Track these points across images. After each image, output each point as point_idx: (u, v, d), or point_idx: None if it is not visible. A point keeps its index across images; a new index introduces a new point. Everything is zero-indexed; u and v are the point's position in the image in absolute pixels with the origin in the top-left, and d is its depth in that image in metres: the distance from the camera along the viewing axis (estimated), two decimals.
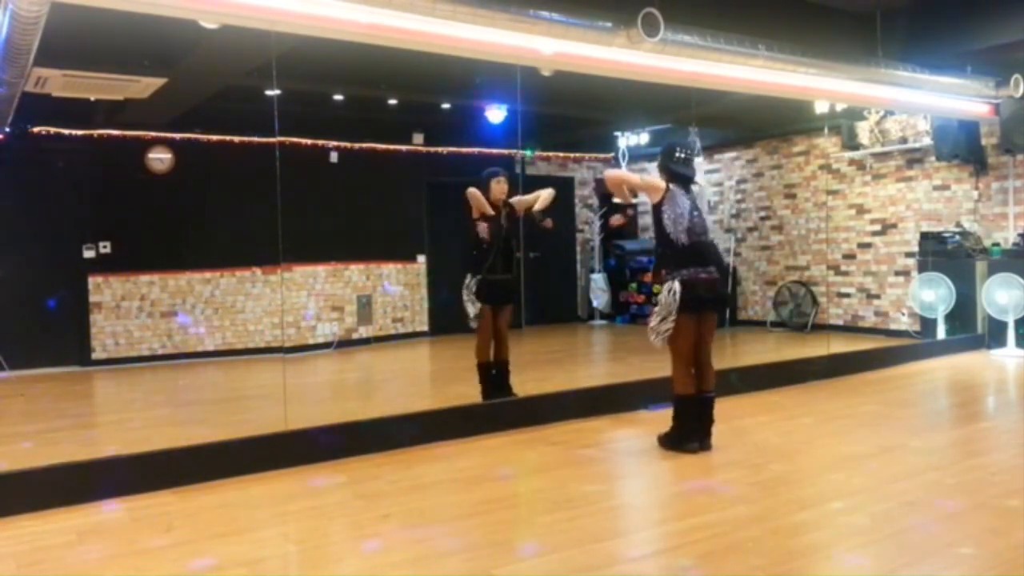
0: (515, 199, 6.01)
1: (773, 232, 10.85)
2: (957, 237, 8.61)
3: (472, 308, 5.76)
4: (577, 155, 12.42)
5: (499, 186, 5.83)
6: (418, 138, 10.63)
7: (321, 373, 8.50)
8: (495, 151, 10.76)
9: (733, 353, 9.34)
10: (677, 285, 4.54)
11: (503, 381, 5.96)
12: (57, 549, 3.42)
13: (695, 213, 4.66)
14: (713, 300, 4.73)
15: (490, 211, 5.76)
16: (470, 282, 5.78)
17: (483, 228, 5.74)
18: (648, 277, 11.55)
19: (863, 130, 9.71)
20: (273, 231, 6.00)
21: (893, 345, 8.39)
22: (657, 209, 4.66)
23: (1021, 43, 6.83)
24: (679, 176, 4.72)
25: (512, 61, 5.56)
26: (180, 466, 4.28)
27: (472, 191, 5.75)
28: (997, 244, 8.55)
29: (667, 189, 4.64)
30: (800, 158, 10.51)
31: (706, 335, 4.71)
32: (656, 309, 4.64)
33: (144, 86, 7.10)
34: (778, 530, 3.42)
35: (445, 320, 10.82)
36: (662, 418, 5.43)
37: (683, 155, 4.73)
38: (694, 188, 4.80)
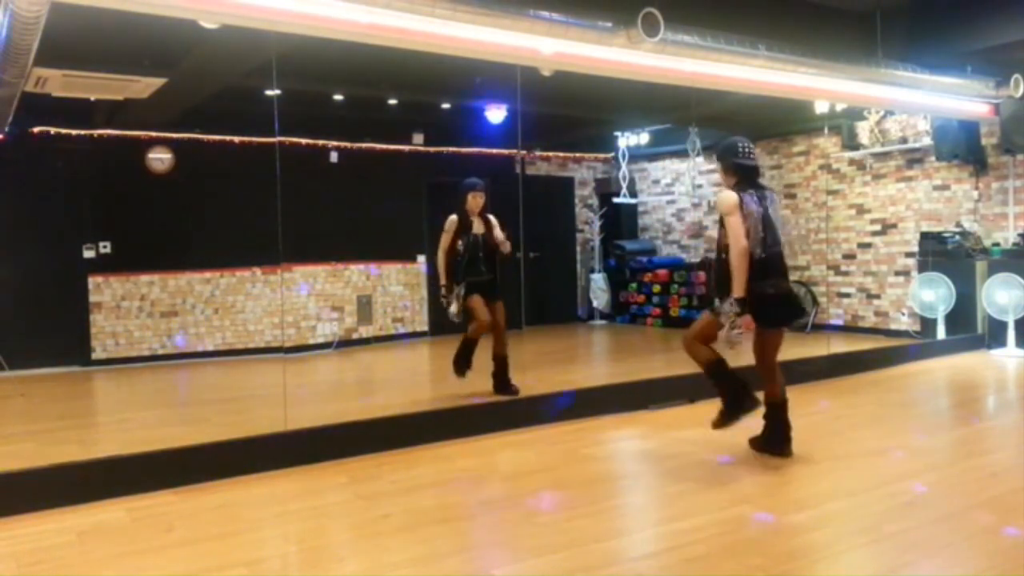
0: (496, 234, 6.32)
1: None
2: (957, 237, 8.61)
3: (455, 305, 6.13)
4: (577, 155, 12.42)
5: (475, 200, 6.22)
6: (418, 138, 10.62)
7: (321, 373, 8.50)
8: (495, 151, 10.76)
9: (733, 353, 9.32)
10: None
11: (503, 377, 6.23)
12: (57, 549, 3.42)
13: (769, 222, 4.32)
14: (781, 318, 4.52)
15: (460, 231, 6.22)
16: (458, 290, 6.15)
17: (459, 243, 6.21)
18: (648, 277, 11.55)
19: (863, 130, 9.71)
20: (273, 231, 6.00)
21: (893, 345, 8.39)
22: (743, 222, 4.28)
23: (1021, 43, 6.83)
24: (746, 170, 4.41)
25: (512, 61, 5.56)
26: (180, 466, 4.29)
27: (451, 220, 6.25)
28: (997, 244, 8.55)
29: (740, 200, 4.27)
30: (800, 158, 10.51)
31: (769, 350, 4.59)
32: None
33: (144, 86, 7.09)
34: (778, 530, 3.42)
35: (445, 320, 10.83)
36: (663, 418, 5.44)
37: (745, 149, 4.43)
38: (767, 193, 4.43)
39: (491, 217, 6.36)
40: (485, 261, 6.23)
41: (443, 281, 6.28)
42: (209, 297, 9.20)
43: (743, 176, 4.41)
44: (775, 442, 4.58)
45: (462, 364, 6.29)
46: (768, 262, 4.30)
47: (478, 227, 6.26)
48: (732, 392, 4.52)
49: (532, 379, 6.38)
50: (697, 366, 4.62)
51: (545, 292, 11.62)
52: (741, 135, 4.63)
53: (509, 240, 6.31)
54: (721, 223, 4.36)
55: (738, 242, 4.19)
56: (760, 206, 4.31)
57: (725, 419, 4.55)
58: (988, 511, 3.60)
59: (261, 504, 3.99)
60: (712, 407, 5.83)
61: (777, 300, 4.39)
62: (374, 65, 6.63)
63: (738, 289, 4.20)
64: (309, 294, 9.61)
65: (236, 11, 4.37)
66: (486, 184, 6.38)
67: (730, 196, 4.30)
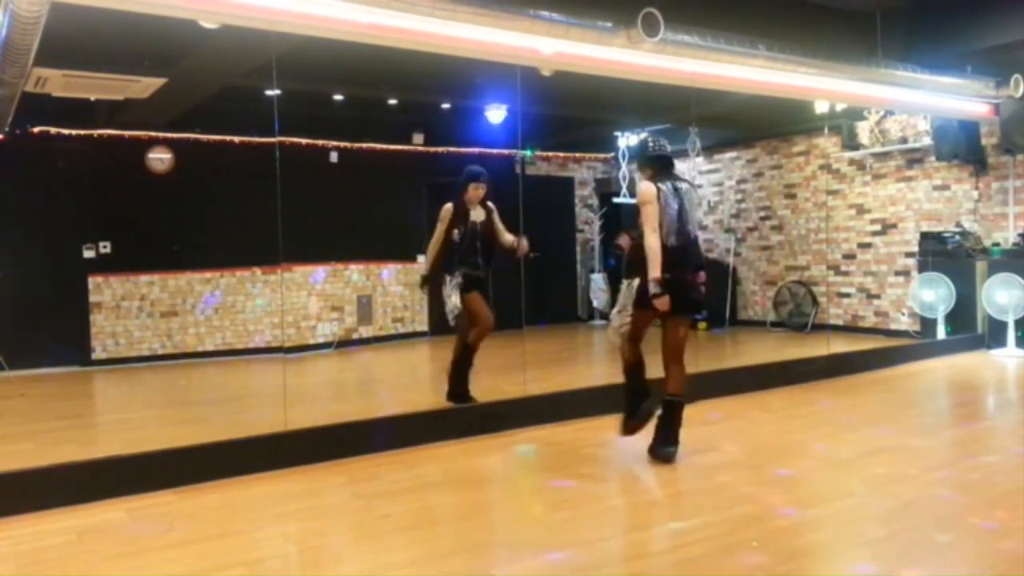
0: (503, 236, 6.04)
1: (773, 232, 10.85)
2: (957, 237, 8.61)
3: (451, 302, 5.86)
4: (577, 155, 12.42)
5: (476, 191, 5.92)
6: (418, 138, 10.62)
7: (321, 373, 8.49)
8: (495, 151, 10.76)
9: (733, 353, 9.34)
10: (635, 283, 4.48)
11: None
12: (57, 549, 3.42)
13: (684, 212, 4.50)
14: (690, 303, 4.59)
15: (457, 223, 5.87)
16: (454, 281, 5.86)
17: (455, 232, 5.87)
18: None
19: (863, 130, 9.71)
20: (273, 231, 5.99)
21: (893, 345, 8.39)
22: (661, 213, 4.45)
23: (1021, 43, 6.83)
24: (660, 160, 4.60)
25: (512, 61, 5.56)
26: (180, 466, 4.28)
27: (445, 208, 5.91)
28: (997, 244, 8.55)
29: (658, 191, 4.44)
30: (800, 158, 10.51)
31: (675, 337, 4.57)
32: (618, 307, 4.60)
33: (144, 86, 7.10)
34: (778, 530, 3.42)
35: (445, 320, 10.81)
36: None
37: (656, 144, 4.66)
38: (682, 186, 4.57)
39: (491, 204, 6.01)
40: (483, 253, 5.93)
41: (426, 270, 6.08)
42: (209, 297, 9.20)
43: (657, 168, 4.59)
44: (666, 443, 4.49)
45: (461, 387, 5.92)
46: (682, 250, 4.46)
47: (477, 215, 5.91)
48: (634, 400, 4.67)
49: (532, 378, 6.38)
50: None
51: (545, 292, 11.61)
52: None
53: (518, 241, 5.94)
54: (638, 211, 4.51)
55: (652, 232, 4.38)
56: (676, 197, 4.48)
57: (628, 428, 4.68)
58: (988, 511, 3.60)
59: (261, 504, 3.99)
60: (711, 408, 5.86)
61: (687, 287, 4.51)
62: (374, 65, 6.63)
63: (653, 271, 4.33)
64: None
65: (236, 11, 4.37)
66: (487, 176, 6.06)
67: (650, 187, 4.47)
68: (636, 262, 4.51)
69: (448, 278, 5.90)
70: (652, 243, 4.36)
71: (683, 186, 4.60)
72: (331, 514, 3.85)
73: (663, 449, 4.49)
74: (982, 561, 3.08)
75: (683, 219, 4.48)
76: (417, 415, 5.39)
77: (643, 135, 4.86)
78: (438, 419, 5.28)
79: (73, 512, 3.84)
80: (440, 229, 5.95)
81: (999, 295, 8.07)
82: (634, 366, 4.69)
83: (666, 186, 4.48)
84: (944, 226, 8.94)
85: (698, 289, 4.59)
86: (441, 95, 8.67)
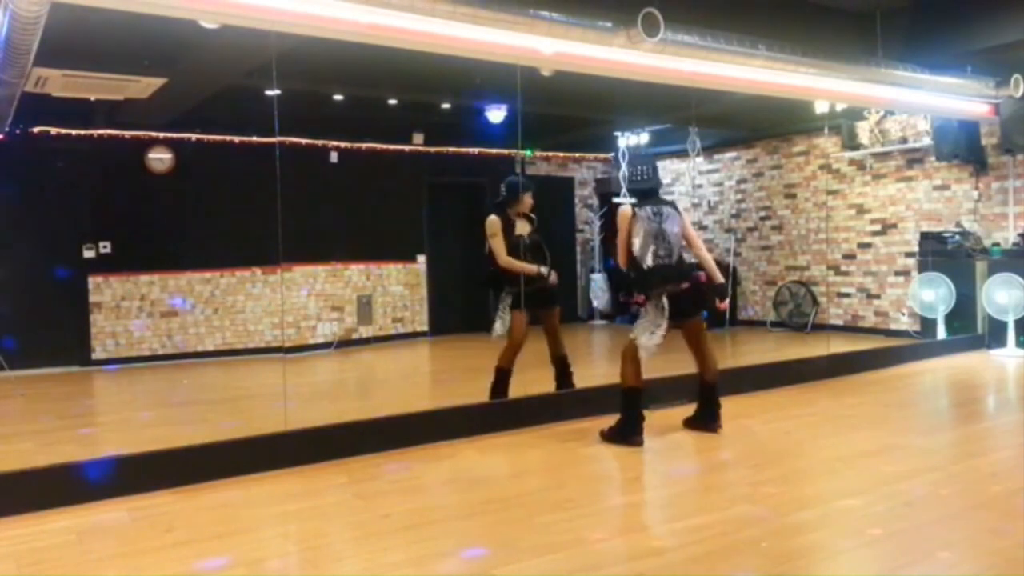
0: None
1: (773, 232, 10.85)
2: (957, 237, 8.61)
3: (501, 325, 5.72)
4: (577, 155, 12.42)
5: (529, 200, 5.89)
6: (418, 138, 10.62)
7: (321, 373, 8.50)
8: (495, 151, 10.76)
9: (733, 353, 9.34)
10: (665, 301, 4.72)
11: (566, 379, 6.06)
12: (57, 549, 3.42)
13: (662, 234, 4.70)
14: (690, 308, 4.95)
15: (504, 233, 5.68)
16: (506, 300, 5.70)
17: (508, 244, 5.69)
18: None
19: (863, 130, 9.71)
20: (273, 231, 6.00)
21: (893, 345, 8.39)
22: (629, 235, 4.77)
23: (1021, 43, 6.83)
24: (647, 192, 4.93)
25: (512, 61, 5.56)
26: (180, 466, 4.28)
27: (492, 222, 5.68)
28: (997, 244, 8.55)
29: (633, 215, 4.75)
30: (800, 158, 10.51)
31: (691, 338, 5.06)
32: (642, 323, 4.74)
33: (144, 86, 7.09)
34: (778, 530, 3.42)
35: (445, 320, 10.83)
36: (663, 418, 5.44)
37: (641, 174, 4.98)
38: (666, 209, 4.80)
39: (533, 217, 5.90)
40: (537, 262, 5.73)
41: (535, 271, 5.64)
42: (209, 297, 9.20)
43: (641, 196, 4.96)
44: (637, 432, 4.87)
45: (500, 395, 5.77)
46: (657, 271, 4.71)
47: (522, 228, 5.76)
48: (630, 420, 4.87)
49: (532, 379, 6.37)
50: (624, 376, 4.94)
51: None
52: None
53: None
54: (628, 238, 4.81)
55: (622, 254, 4.82)
56: (656, 219, 4.73)
57: (613, 437, 4.92)
58: (988, 511, 3.60)
59: (261, 504, 3.99)
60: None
61: (677, 298, 4.81)
62: (374, 65, 6.63)
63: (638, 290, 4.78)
64: (309, 294, 9.62)
65: (236, 11, 4.37)
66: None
67: (625, 212, 4.82)
68: (631, 283, 4.82)
69: (504, 293, 5.72)
70: (623, 264, 4.78)
71: (665, 209, 4.83)
72: (331, 514, 3.85)
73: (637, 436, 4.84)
74: (982, 561, 3.08)
75: (659, 241, 4.70)
76: (417, 415, 5.38)
77: (628, 167, 5.26)
78: (438, 419, 5.27)
79: (73, 512, 3.84)
80: (498, 242, 5.64)
81: (999, 295, 8.07)
82: (641, 391, 4.94)
83: (644, 210, 4.75)
84: (944, 226, 8.94)
85: (678, 297, 4.85)
86: (441, 95, 8.66)
